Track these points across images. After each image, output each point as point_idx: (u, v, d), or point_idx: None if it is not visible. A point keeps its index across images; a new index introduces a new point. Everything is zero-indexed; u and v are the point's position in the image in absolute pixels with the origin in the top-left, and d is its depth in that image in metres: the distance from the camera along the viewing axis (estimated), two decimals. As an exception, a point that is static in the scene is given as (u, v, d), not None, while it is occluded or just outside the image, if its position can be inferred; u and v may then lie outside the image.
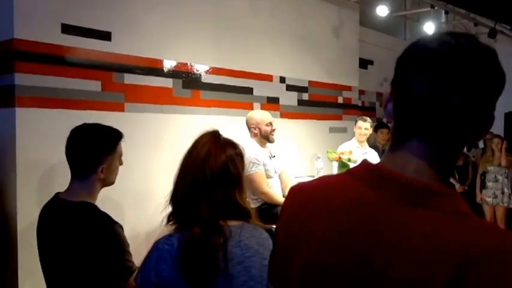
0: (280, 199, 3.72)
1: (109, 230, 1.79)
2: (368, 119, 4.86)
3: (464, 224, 0.73)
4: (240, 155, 1.55)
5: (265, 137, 3.84)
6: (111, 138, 1.96)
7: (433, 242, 0.69)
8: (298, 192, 0.92)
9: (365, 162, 0.85)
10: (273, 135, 3.86)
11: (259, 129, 3.82)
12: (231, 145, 1.54)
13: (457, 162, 0.84)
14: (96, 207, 1.87)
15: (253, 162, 3.64)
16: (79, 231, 1.77)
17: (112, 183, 2.00)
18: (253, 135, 3.85)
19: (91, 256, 1.73)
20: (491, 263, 0.66)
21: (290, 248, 0.85)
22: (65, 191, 1.93)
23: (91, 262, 1.74)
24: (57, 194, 1.94)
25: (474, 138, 0.82)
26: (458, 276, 0.65)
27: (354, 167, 0.87)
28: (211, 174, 1.45)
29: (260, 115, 3.90)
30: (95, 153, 1.90)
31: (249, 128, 3.87)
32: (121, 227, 1.82)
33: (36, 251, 1.92)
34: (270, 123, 3.85)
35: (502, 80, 0.79)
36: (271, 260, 1.00)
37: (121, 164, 2.01)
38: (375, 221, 0.75)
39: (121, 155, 1.99)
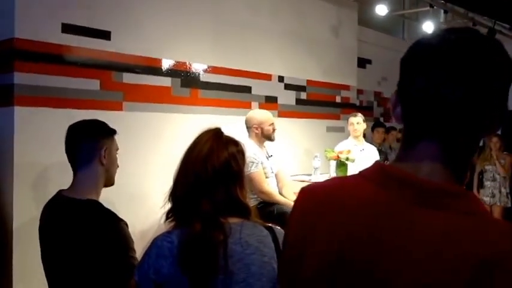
0: (279, 198, 3.75)
1: (114, 227, 1.79)
2: (359, 114, 4.85)
3: (480, 225, 0.71)
4: (241, 153, 1.56)
5: (266, 137, 3.85)
6: (108, 126, 1.98)
7: (447, 243, 0.68)
8: (308, 193, 0.91)
9: (377, 164, 0.84)
10: (274, 134, 3.89)
11: (261, 129, 3.82)
12: (233, 142, 1.55)
13: (471, 160, 0.82)
14: (100, 204, 1.87)
15: (252, 162, 3.65)
16: (85, 229, 1.77)
17: (112, 177, 1.99)
18: (254, 135, 3.85)
19: (96, 253, 1.73)
20: (509, 266, 0.64)
21: (300, 249, 0.84)
22: (69, 188, 1.92)
23: (96, 259, 1.73)
24: (60, 191, 1.94)
25: (487, 131, 0.79)
26: (477, 278, 0.64)
27: (366, 169, 0.85)
28: (213, 171, 1.46)
29: (263, 116, 3.89)
30: (96, 134, 1.92)
31: (249, 128, 3.87)
32: (126, 224, 1.83)
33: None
34: (272, 124, 3.87)
35: (508, 68, 0.76)
36: (280, 261, 0.99)
37: (117, 165, 2.02)
38: (386, 222, 0.74)
39: (117, 148, 2.00)
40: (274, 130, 3.87)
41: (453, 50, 0.75)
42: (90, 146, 1.90)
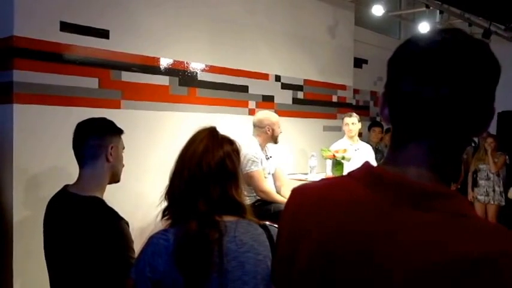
0: (278, 197, 3.78)
1: (115, 226, 1.80)
2: (354, 114, 4.88)
3: (468, 225, 0.71)
4: (236, 151, 1.56)
5: (274, 138, 3.94)
6: (115, 125, 2.01)
7: (434, 244, 0.68)
8: (300, 193, 0.92)
9: (366, 165, 0.84)
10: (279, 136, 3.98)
11: (273, 130, 3.90)
12: (228, 141, 1.55)
13: (459, 161, 0.81)
14: (103, 201, 1.89)
15: (253, 161, 3.70)
16: (86, 225, 1.79)
17: (118, 175, 2.01)
18: (263, 135, 3.90)
19: (95, 250, 1.75)
20: (497, 266, 0.64)
21: (291, 248, 0.85)
22: (74, 183, 1.94)
23: (95, 255, 1.75)
24: (66, 186, 1.96)
25: (474, 133, 0.79)
26: (464, 278, 0.64)
27: (355, 170, 0.85)
28: (208, 169, 1.46)
29: (276, 117, 3.99)
30: (103, 131, 1.95)
31: (261, 128, 3.91)
32: (127, 223, 1.84)
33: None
34: (279, 126, 3.97)
35: (493, 69, 0.76)
36: (273, 260, 1.00)
37: (123, 165, 2.03)
38: (375, 222, 0.75)
39: (123, 147, 2.03)
40: (281, 132, 3.97)
41: (440, 51, 0.75)
42: (98, 143, 1.92)
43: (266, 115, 3.99)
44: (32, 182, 2.99)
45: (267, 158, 3.94)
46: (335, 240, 0.78)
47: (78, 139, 1.94)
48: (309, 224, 0.83)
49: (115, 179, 2.01)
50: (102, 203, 1.88)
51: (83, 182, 1.92)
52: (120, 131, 2.01)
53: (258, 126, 3.92)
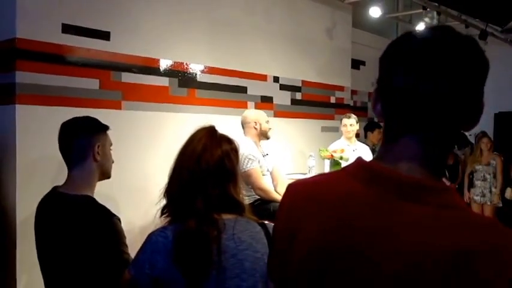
0: (276, 195, 3.79)
1: (107, 222, 1.80)
2: (352, 115, 4.92)
3: (460, 218, 0.73)
4: (235, 150, 1.56)
5: (263, 134, 3.95)
6: (100, 122, 2.00)
7: (428, 235, 0.69)
8: (295, 189, 0.93)
9: (359, 160, 0.85)
10: (270, 132, 3.98)
11: (260, 125, 3.91)
12: (227, 140, 1.56)
13: (448, 157, 0.83)
14: (94, 199, 1.89)
15: (249, 159, 3.72)
16: (78, 224, 1.79)
17: (108, 172, 2.00)
18: (251, 132, 3.92)
19: (89, 248, 1.75)
20: (490, 258, 0.66)
21: (288, 242, 0.86)
22: (63, 184, 1.94)
23: (89, 254, 1.75)
24: (55, 187, 1.96)
25: (467, 126, 0.80)
26: (456, 268, 0.66)
27: (349, 165, 0.87)
28: (206, 168, 1.47)
29: (258, 112, 4.02)
30: (88, 131, 1.93)
31: (246, 125, 3.94)
32: (119, 219, 1.84)
33: (34, 244, 1.95)
34: (268, 121, 3.98)
35: (484, 65, 0.78)
36: (270, 257, 1.01)
37: (112, 161, 2.04)
38: (367, 216, 0.76)
39: (111, 144, 2.02)
40: (270, 128, 3.97)
41: (436, 47, 0.76)
42: (83, 144, 1.91)
43: (249, 112, 4.05)
44: (35, 182, 3.01)
45: (264, 156, 3.96)
46: (330, 235, 0.79)
47: (63, 142, 1.94)
48: (303, 219, 0.85)
49: (105, 176, 2.00)
50: (93, 201, 1.88)
51: (73, 182, 1.91)
52: (105, 128, 1.99)
53: (244, 125, 3.96)
